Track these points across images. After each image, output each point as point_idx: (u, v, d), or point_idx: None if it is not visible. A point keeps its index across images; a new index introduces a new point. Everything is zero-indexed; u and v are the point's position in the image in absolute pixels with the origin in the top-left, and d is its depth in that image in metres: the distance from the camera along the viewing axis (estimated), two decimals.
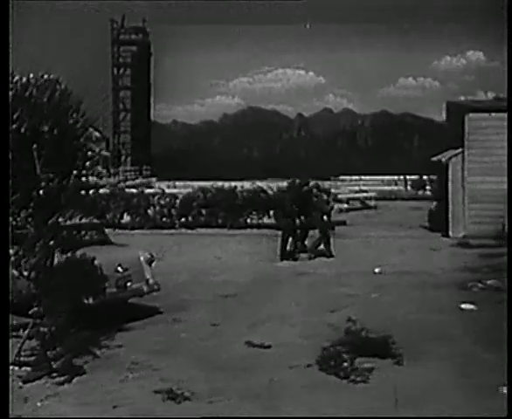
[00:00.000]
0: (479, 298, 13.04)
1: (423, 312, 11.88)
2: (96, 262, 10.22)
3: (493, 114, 19.61)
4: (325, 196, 19.07)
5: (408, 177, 37.27)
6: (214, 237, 20.31)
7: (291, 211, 18.06)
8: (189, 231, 20.88)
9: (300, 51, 66.04)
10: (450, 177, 19.85)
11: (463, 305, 12.17)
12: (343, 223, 22.87)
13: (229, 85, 68.66)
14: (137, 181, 56.58)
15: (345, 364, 8.78)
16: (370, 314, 11.57)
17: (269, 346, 9.93)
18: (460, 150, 19.93)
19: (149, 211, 20.95)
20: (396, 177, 38.16)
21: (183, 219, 21.13)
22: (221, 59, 64.67)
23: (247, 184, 60.83)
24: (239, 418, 7.66)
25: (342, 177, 39.67)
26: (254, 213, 21.23)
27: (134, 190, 21.68)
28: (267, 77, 68.51)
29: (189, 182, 56.98)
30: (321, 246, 17.94)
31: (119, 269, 11.20)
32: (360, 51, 63.84)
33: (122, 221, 20.87)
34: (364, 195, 29.95)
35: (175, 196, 21.44)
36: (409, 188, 35.79)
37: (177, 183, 57.33)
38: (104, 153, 68.12)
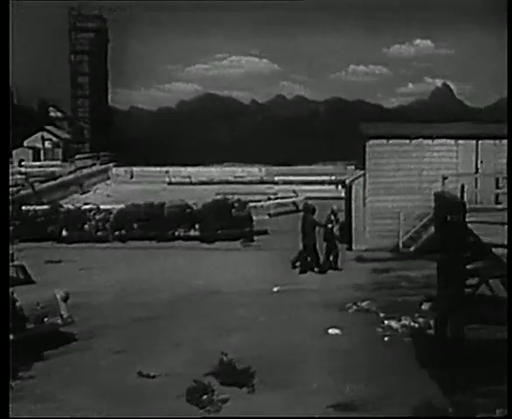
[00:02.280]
0: (352, 319, 15.40)
1: (295, 337, 14.09)
2: (17, 303, 12.43)
3: (390, 141, 22.06)
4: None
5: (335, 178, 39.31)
6: (145, 251, 22.56)
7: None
8: (120, 245, 23.17)
9: (255, 38, 68.28)
10: (353, 196, 22.33)
11: (330, 331, 14.49)
12: (264, 232, 25.07)
13: (186, 71, 70.69)
14: (94, 168, 58.24)
15: (205, 396, 11.06)
16: (250, 340, 13.83)
17: (154, 377, 12.15)
18: (362, 173, 22.37)
19: (86, 226, 23.18)
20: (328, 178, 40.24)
21: (116, 233, 23.33)
22: (178, 45, 66.68)
23: (202, 170, 62.81)
24: (239, 418, 9.65)
25: (278, 178, 41.54)
26: (181, 226, 23.44)
27: (71, 206, 23.78)
28: (223, 63, 70.63)
29: (146, 168, 59.04)
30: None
31: (37, 307, 13.41)
32: (313, 39, 66.17)
33: (62, 234, 22.99)
34: (294, 199, 31.97)
35: (109, 211, 23.65)
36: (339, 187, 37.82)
37: (135, 169, 59.26)
38: (65, 135, 69.71)
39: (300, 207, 31.82)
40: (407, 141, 22.21)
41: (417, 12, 66.40)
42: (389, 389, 11.18)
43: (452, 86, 71.18)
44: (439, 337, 12.57)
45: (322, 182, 39.90)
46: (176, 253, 22.37)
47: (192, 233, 23.50)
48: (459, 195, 16.77)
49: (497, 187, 21.94)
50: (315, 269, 19.86)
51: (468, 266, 14.22)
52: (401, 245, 21.65)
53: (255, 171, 58.69)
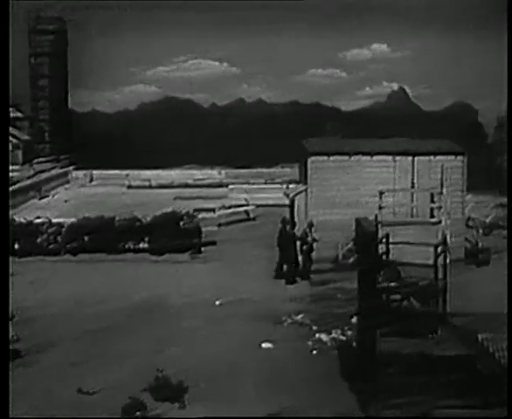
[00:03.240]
0: (285, 333, 16.32)
1: (231, 351, 14.94)
2: None
3: (331, 158, 23.08)
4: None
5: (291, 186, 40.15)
6: (96, 264, 23.28)
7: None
8: (71, 258, 23.88)
9: (215, 42, 68.64)
10: (295, 210, 23.31)
11: (263, 344, 15.40)
12: (213, 243, 25.91)
13: (146, 74, 71.00)
14: (53, 171, 58.43)
15: (138, 412, 11.90)
16: (188, 354, 14.68)
17: (93, 393, 12.94)
18: (304, 187, 23.37)
19: (38, 239, 23.83)
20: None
21: (68, 246, 24.01)
22: (138, 48, 66.85)
23: (162, 173, 63.15)
24: (239, 418, 10.31)
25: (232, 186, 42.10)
26: (131, 239, 24.19)
27: (23, 220, 24.36)
28: (184, 66, 70.97)
29: (106, 171, 59.36)
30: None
31: None
32: (272, 43, 66.88)
33: (15, 248, 23.57)
34: (246, 208, 32.77)
35: (61, 225, 24.31)
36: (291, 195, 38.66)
37: (94, 172, 59.57)
38: (25, 137, 69.64)
39: (252, 215, 32.83)
40: (347, 158, 23.23)
41: (373, 16, 67.49)
42: (307, 403, 12.08)
43: (407, 90, 72.61)
44: (359, 350, 13.49)
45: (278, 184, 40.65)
46: (125, 266, 23.11)
47: (142, 245, 24.24)
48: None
49: (432, 201, 23.13)
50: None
51: (391, 284, 15.34)
52: (341, 257, 22.66)
53: (215, 174, 59.50)
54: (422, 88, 70.91)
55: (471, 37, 65.19)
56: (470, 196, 34.85)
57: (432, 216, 22.97)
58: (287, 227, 21.69)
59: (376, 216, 18.95)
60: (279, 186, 38.72)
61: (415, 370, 12.80)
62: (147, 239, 24.01)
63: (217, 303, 18.76)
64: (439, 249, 16.05)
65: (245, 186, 39.67)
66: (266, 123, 70.82)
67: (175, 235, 24.09)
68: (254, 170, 59.20)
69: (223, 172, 59.60)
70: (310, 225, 21.63)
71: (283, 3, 65.79)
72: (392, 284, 15.22)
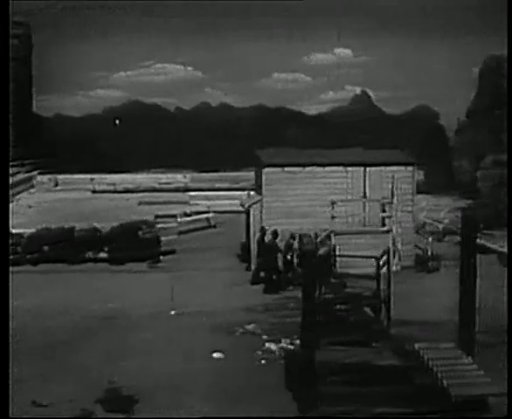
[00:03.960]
0: (237, 342, 16.89)
1: (183, 361, 15.52)
2: None
3: (285, 169, 23.76)
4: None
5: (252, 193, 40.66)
6: (55, 274, 23.69)
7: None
8: (31, 268, 24.24)
9: (179, 46, 69.10)
10: (251, 220, 23.96)
11: (214, 354, 15.96)
12: (172, 252, 26.42)
13: (112, 78, 71.16)
14: (17, 176, 58.32)
15: None
16: (141, 365, 15.18)
17: (47, 405, 13.38)
18: (259, 198, 24.01)
19: None
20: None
21: (28, 256, 24.38)
22: (104, 52, 66.94)
23: (127, 177, 63.38)
24: (239, 418, 10.66)
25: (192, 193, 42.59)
26: (91, 249, 24.62)
27: None
28: (149, 70, 71.33)
29: (71, 175, 59.44)
30: None
31: None
32: (237, 47, 67.50)
33: None
34: (206, 215, 33.29)
35: (21, 235, 24.64)
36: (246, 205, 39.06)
37: (59, 177, 59.61)
38: None
39: (213, 223, 33.38)
40: (301, 169, 23.91)
41: (337, 21, 68.36)
42: (249, 412, 12.67)
43: (370, 93, 73.72)
44: (300, 360, 14.03)
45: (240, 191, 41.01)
46: (85, 276, 23.53)
47: (101, 255, 24.69)
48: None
49: (383, 211, 23.94)
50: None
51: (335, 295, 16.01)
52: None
53: (180, 178, 59.93)
54: (385, 92, 72.04)
55: (433, 42, 66.42)
56: (425, 203, 35.94)
57: (384, 225, 23.76)
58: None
59: (315, 234, 19.64)
60: (240, 193, 39.15)
61: (354, 379, 13.41)
62: (106, 249, 24.42)
63: (173, 313, 19.25)
64: (383, 259, 16.73)
65: (206, 193, 40.08)
66: (232, 127, 71.43)
67: (134, 245, 24.56)
68: (219, 174, 59.80)
69: (188, 176, 60.08)
70: (293, 236, 22.11)
71: (246, 8, 66.34)
72: (336, 295, 15.87)
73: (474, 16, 64.87)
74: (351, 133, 65.98)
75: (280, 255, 22.31)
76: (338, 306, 15.65)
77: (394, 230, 23.54)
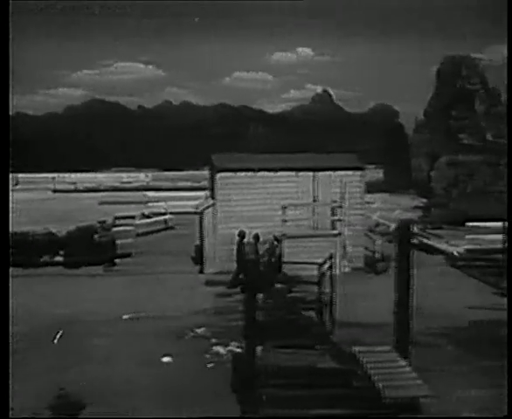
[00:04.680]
0: (187, 346, 17.32)
1: (133, 366, 15.88)
2: None
3: (238, 174, 24.28)
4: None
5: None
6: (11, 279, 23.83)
7: None
8: None
9: (141, 45, 69.33)
10: (205, 224, 24.45)
11: (163, 359, 16.39)
12: (128, 255, 26.77)
13: (73, 77, 71.08)
14: None
15: None
16: (91, 370, 15.54)
17: None
18: (212, 202, 24.51)
19: None
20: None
21: None
22: (65, 50, 66.81)
23: (88, 176, 63.24)
24: (240, 418, 10.83)
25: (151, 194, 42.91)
26: (46, 253, 24.87)
27: None
28: (110, 69, 71.38)
29: (32, 174, 59.30)
30: None
31: None
32: (198, 45, 67.91)
33: None
34: (164, 217, 33.65)
35: None
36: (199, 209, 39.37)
37: (20, 176, 59.46)
38: None
39: (170, 224, 33.78)
40: (253, 174, 24.44)
41: (298, 20, 69.10)
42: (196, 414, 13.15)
43: (331, 92, 74.58)
44: (243, 363, 14.53)
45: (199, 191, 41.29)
46: (41, 280, 23.77)
47: (57, 259, 24.95)
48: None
49: (333, 214, 24.59)
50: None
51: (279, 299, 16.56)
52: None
53: (142, 177, 60.17)
54: (345, 91, 73.03)
55: (393, 43, 67.47)
56: (379, 203, 36.73)
57: (334, 229, 24.41)
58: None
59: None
60: (200, 193, 39.51)
61: (296, 382, 13.98)
62: (62, 253, 24.67)
63: (126, 317, 19.61)
64: (327, 264, 17.32)
65: (166, 193, 40.45)
66: (194, 125, 71.77)
67: (89, 248, 24.85)
68: (181, 173, 60.14)
69: (149, 175, 60.33)
70: (276, 238, 22.53)
71: (208, 8, 66.69)
72: (280, 300, 16.42)
73: (433, 17, 66.07)
74: (312, 132, 66.79)
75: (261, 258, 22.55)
76: (281, 311, 16.19)
77: (344, 233, 24.21)
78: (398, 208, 38.02)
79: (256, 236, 22.41)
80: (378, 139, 66.97)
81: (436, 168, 45.84)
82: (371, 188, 53.95)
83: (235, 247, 22.61)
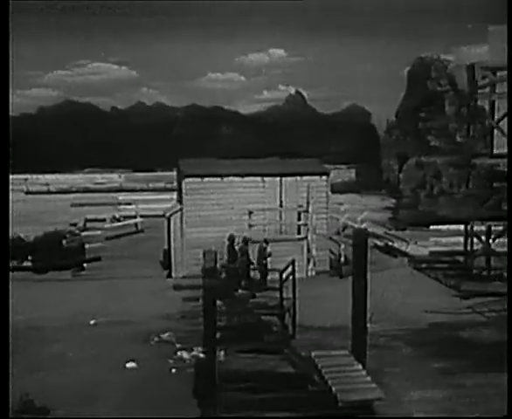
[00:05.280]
0: (151, 351, 17.61)
1: (97, 371, 16.17)
2: None
3: (205, 179, 24.62)
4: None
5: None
6: None
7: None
8: None
9: (114, 46, 69.35)
10: (172, 228, 24.78)
11: (128, 364, 16.68)
12: (97, 259, 26.98)
13: (46, 78, 70.87)
14: None
15: None
16: (55, 377, 15.80)
17: None
18: (179, 207, 24.84)
19: None
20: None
21: None
22: (38, 51, 66.63)
23: (61, 177, 63.03)
24: (241, 418, 10.98)
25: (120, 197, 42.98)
26: (15, 258, 25.03)
27: None
28: (84, 70, 71.32)
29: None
30: None
31: None
32: (171, 46, 68.07)
33: None
34: (134, 220, 33.88)
35: None
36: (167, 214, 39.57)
37: None
38: None
39: (140, 227, 34.01)
40: (220, 179, 24.79)
41: (271, 21, 69.49)
42: None
43: (304, 93, 75.13)
44: (203, 368, 14.85)
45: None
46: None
47: (25, 264, 25.13)
48: None
49: (299, 219, 25.01)
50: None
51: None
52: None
53: (115, 177, 60.19)
54: (318, 92, 73.53)
55: (367, 44, 68.11)
56: (347, 206, 37.24)
57: (299, 233, 24.84)
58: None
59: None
60: (168, 197, 39.78)
61: (255, 386, 14.38)
62: (30, 258, 24.85)
63: (92, 323, 19.86)
64: (289, 269, 17.71)
65: (137, 197, 40.64)
66: (167, 126, 71.93)
67: (58, 253, 25.04)
68: (154, 173, 60.28)
69: (122, 176, 60.38)
70: (266, 241, 22.76)
71: (182, 8, 66.83)
72: (242, 305, 16.79)
73: (406, 19, 66.84)
74: (285, 133, 67.27)
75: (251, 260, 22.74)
76: (243, 317, 16.56)
77: (309, 237, 24.65)
78: (367, 209, 38.44)
79: (245, 240, 22.70)
80: (351, 139, 67.62)
81: (405, 170, 46.45)
82: (343, 188, 54.74)
83: (225, 250, 22.93)
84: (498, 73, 24.41)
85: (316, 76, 71.20)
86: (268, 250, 22.43)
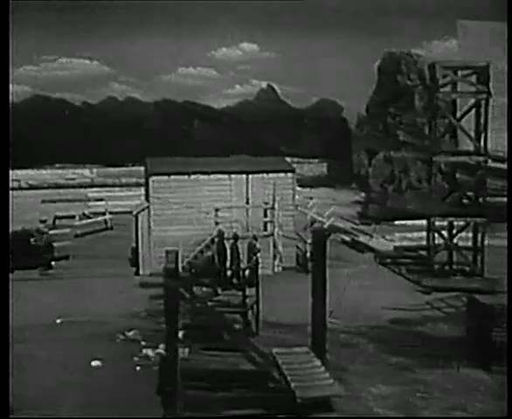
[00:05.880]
0: (117, 350, 17.78)
1: (63, 371, 16.29)
2: None
3: (171, 177, 24.79)
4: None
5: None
6: None
7: None
8: None
9: (83, 41, 68.74)
10: (139, 226, 24.94)
11: (93, 363, 16.85)
12: (66, 257, 27.00)
13: (14, 73, 70.05)
14: None
15: None
16: (20, 379, 15.90)
17: None
18: (146, 205, 25.01)
19: None
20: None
21: None
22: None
23: (33, 172, 62.34)
24: (241, 417, 11.09)
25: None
26: None
27: None
28: (53, 65, 70.70)
29: None
30: None
31: None
32: (142, 41, 67.69)
33: None
34: (104, 217, 33.88)
35: None
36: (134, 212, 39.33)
37: None
38: None
39: (109, 224, 34.04)
40: (186, 177, 24.97)
41: (241, 15, 69.41)
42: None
43: (276, 88, 75.24)
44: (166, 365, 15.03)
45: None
46: None
47: None
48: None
49: (265, 216, 25.28)
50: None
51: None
52: (181, 270, 24.30)
53: (86, 173, 59.94)
54: (290, 86, 73.66)
55: (338, 38, 68.38)
56: (315, 200, 37.55)
57: (266, 230, 25.12)
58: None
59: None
60: (140, 192, 39.80)
61: (216, 384, 14.65)
62: None
63: (58, 322, 19.98)
64: (248, 268, 17.98)
65: (107, 193, 40.58)
66: (139, 121, 71.67)
67: (25, 252, 24.98)
68: (125, 169, 60.09)
69: (94, 171, 60.14)
70: (255, 237, 22.85)
71: (152, 3, 66.55)
72: (203, 304, 17.04)
73: (377, 13, 67.30)
74: (258, 127, 67.61)
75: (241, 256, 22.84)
76: (205, 315, 16.82)
77: (275, 234, 24.93)
78: (335, 203, 38.72)
79: (235, 236, 22.79)
80: (322, 134, 67.96)
81: (373, 165, 46.89)
82: (314, 182, 55.09)
83: (215, 247, 23.10)
84: (459, 72, 24.85)
85: (289, 71, 71.38)
86: (257, 246, 22.63)
